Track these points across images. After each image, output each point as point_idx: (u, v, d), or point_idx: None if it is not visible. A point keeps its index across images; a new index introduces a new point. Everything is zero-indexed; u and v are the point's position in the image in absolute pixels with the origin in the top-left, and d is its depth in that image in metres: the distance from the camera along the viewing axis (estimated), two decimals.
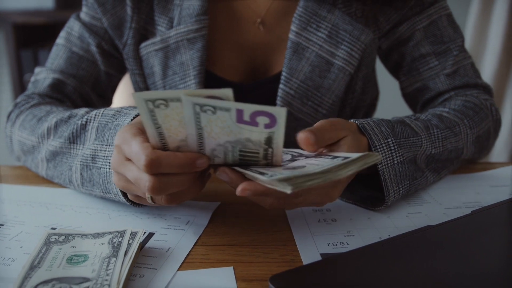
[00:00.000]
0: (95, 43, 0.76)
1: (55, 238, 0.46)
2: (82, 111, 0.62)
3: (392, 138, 0.54)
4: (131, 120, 0.53)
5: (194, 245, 0.49)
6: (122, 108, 0.57)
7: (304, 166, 0.43)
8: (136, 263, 0.45)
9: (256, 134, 0.42)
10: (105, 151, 0.54)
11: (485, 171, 0.69)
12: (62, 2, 1.84)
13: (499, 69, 1.83)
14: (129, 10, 0.75)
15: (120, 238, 0.46)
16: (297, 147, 0.48)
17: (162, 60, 0.75)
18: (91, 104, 0.79)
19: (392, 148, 0.54)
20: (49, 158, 0.62)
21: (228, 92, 0.39)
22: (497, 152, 1.88)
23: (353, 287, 0.40)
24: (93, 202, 0.59)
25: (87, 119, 0.59)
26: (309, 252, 0.47)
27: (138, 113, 0.53)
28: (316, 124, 0.48)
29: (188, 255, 0.47)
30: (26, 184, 0.65)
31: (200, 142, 0.43)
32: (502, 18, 1.78)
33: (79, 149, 0.58)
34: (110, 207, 0.57)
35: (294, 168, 0.43)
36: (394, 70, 0.81)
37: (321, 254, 0.47)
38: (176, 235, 0.51)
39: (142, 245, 0.48)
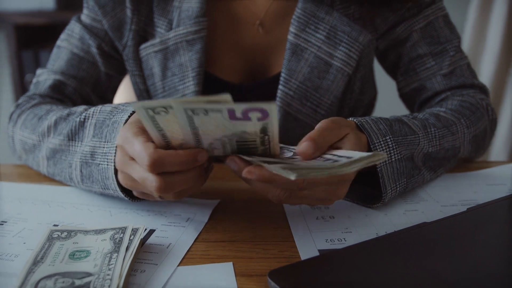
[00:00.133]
0: (95, 44, 0.77)
1: (58, 234, 0.47)
2: (80, 108, 0.63)
3: (390, 136, 0.55)
4: (128, 116, 0.53)
5: (194, 241, 0.50)
6: (119, 104, 0.58)
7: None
8: (137, 259, 0.46)
9: (251, 126, 0.43)
10: (104, 147, 0.55)
11: (482, 169, 0.70)
12: (63, 3, 1.85)
13: (498, 69, 1.84)
14: (128, 12, 0.75)
15: (122, 234, 0.47)
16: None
17: (162, 61, 0.76)
18: (92, 105, 0.80)
19: (390, 145, 0.55)
20: (49, 156, 0.63)
21: (226, 97, 0.39)
22: (497, 152, 1.89)
23: (350, 282, 0.41)
24: (95, 200, 0.60)
25: (85, 116, 0.59)
26: (307, 248, 0.48)
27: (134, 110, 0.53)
28: (318, 125, 0.49)
29: (188, 251, 0.48)
30: (28, 182, 0.66)
31: (197, 139, 0.45)
32: (501, 19, 1.79)
33: (78, 146, 0.59)
34: (111, 205, 0.58)
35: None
36: (391, 70, 0.82)
37: (319, 250, 0.48)
38: (176, 231, 0.52)
39: (143, 242, 0.49)
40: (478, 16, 1.84)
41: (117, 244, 0.45)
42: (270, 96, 0.75)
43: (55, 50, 0.79)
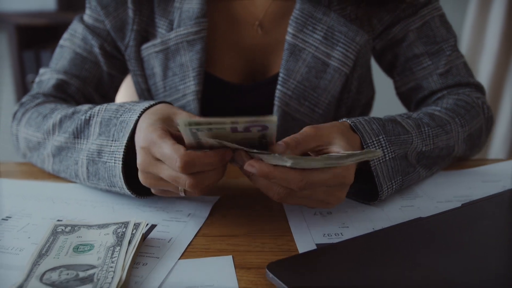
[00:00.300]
0: (98, 44, 0.78)
1: (62, 229, 0.48)
2: (85, 107, 0.64)
3: (383, 136, 0.56)
4: (138, 117, 0.55)
5: (195, 236, 0.51)
6: (124, 103, 0.59)
7: None
8: (140, 252, 0.47)
9: (251, 135, 0.45)
10: (111, 146, 0.56)
11: (478, 167, 0.71)
12: (64, 4, 1.86)
13: (496, 68, 1.85)
14: (130, 13, 0.77)
15: (124, 229, 0.48)
16: None
17: (163, 61, 0.77)
18: (94, 104, 0.81)
19: (383, 145, 0.56)
20: (54, 153, 0.64)
21: (273, 119, 0.41)
22: (495, 151, 1.90)
23: (347, 274, 0.42)
24: (98, 196, 0.61)
25: (90, 114, 0.61)
26: (305, 242, 0.49)
27: (143, 110, 0.55)
28: (301, 131, 0.50)
29: (189, 245, 0.49)
30: (32, 179, 0.67)
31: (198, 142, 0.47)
32: (500, 18, 1.80)
33: (83, 144, 0.60)
34: (114, 200, 0.60)
35: None
36: (388, 70, 0.83)
37: (317, 244, 0.49)
38: (177, 226, 0.53)
39: (145, 236, 0.50)
40: (476, 15, 1.85)
41: (120, 238, 0.46)
42: (269, 96, 0.76)
43: (58, 50, 0.81)
